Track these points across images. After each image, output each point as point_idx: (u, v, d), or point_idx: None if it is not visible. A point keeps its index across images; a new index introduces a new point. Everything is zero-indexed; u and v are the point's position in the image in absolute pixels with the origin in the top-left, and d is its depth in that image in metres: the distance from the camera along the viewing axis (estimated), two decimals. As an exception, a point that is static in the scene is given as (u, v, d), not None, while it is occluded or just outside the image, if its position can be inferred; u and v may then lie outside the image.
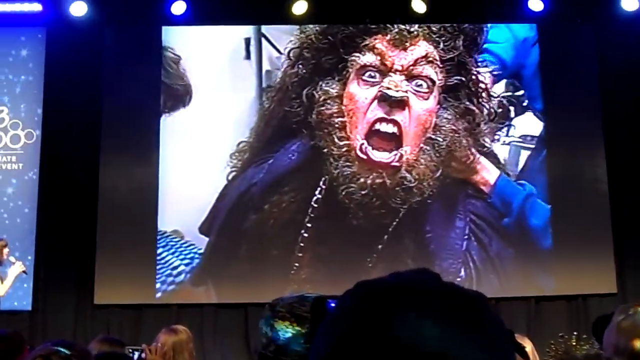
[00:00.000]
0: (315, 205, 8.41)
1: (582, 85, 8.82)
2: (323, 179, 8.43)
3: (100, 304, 8.40)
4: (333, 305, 1.23)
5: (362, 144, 8.43)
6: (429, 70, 8.63)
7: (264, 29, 8.85)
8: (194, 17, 8.75)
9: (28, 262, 8.34)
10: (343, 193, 8.37)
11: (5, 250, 7.39)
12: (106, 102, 8.75)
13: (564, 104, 8.76)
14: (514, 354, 0.75)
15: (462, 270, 8.36)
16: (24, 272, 7.40)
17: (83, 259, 8.43)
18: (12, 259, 7.40)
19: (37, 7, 8.67)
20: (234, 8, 8.73)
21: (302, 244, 8.39)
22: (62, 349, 2.33)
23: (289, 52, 8.77)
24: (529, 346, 3.89)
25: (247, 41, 8.80)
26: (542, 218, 8.51)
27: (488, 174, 8.54)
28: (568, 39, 8.92)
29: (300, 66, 8.71)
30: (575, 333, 7.13)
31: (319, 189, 8.41)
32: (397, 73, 8.58)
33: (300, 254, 8.40)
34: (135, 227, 8.49)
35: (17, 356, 2.54)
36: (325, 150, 8.48)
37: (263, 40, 8.84)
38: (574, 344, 6.48)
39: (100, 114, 8.71)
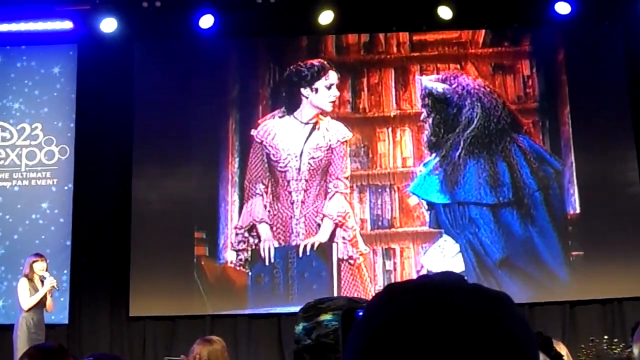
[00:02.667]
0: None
1: (611, 88, 8.74)
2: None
3: (135, 315, 8.48)
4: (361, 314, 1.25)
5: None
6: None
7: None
8: (221, 30, 8.83)
9: (64, 275, 8.47)
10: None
11: (37, 266, 7.47)
12: (137, 115, 8.86)
13: (592, 107, 8.69)
14: (538, 353, 0.77)
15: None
16: (53, 287, 7.45)
17: (118, 272, 8.53)
18: (46, 274, 7.49)
19: (68, 25, 8.81)
20: (261, 20, 8.80)
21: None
22: None
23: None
24: (564, 351, 3.87)
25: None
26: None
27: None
28: (596, 42, 8.85)
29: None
30: (606, 337, 7.06)
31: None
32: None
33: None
34: (168, 238, 8.57)
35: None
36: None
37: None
38: (605, 347, 6.42)
39: (131, 127, 8.82)
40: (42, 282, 7.45)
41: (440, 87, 8.71)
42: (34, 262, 7.48)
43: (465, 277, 0.81)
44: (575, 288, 8.32)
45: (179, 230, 8.60)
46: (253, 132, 8.79)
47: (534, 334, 0.78)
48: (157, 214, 8.63)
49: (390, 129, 8.73)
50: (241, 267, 8.51)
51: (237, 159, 8.77)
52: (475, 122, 8.55)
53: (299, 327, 1.68)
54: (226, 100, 8.91)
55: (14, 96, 9.00)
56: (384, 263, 8.46)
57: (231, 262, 8.54)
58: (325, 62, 8.85)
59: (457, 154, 8.50)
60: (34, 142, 8.92)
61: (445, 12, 8.68)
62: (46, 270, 7.51)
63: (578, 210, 8.48)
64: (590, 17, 8.70)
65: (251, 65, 9.03)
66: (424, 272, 8.27)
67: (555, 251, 8.39)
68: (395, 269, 8.45)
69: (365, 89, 8.87)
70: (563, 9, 8.59)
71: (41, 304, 7.39)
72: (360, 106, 8.83)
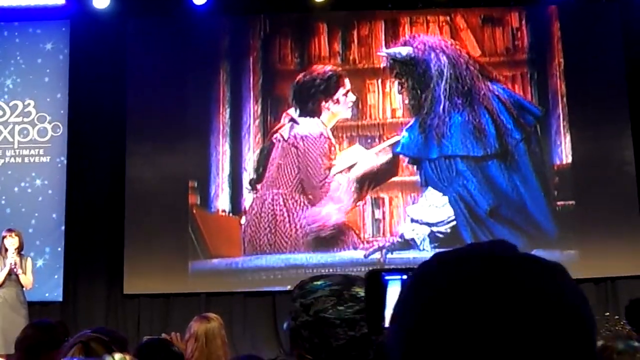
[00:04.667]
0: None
1: (608, 66, 8.73)
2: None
3: (129, 293, 8.48)
4: (388, 277, 1.23)
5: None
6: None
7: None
8: (216, 6, 8.76)
9: (57, 253, 8.45)
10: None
11: (7, 242, 7.24)
12: (130, 92, 8.80)
13: (588, 86, 8.68)
14: (596, 323, 0.75)
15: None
16: (12, 266, 7.20)
17: (112, 249, 8.52)
18: (11, 253, 7.22)
19: (60, 1, 8.72)
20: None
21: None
22: (100, 336, 2.37)
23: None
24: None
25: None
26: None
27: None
28: (593, 20, 8.82)
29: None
30: (607, 314, 7.10)
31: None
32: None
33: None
34: (163, 216, 8.55)
35: (61, 345, 2.60)
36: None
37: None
38: (606, 324, 6.46)
39: (125, 104, 8.77)
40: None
41: (404, 51, 8.78)
42: (3, 237, 7.37)
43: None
44: (564, 241, 8.37)
45: (173, 207, 8.58)
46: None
47: (589, 304, 0.76)
48: (152, 190, 8.60)
49: (379, 81, 8.79)
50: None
51: (227, 110, 8.79)
52: (445, 72, 8.68)
53: (296, 304, 1.67)
54: (218, 62, 8.89)
55: (6, 73, 8.92)
56: (372, 212, 8.52)
57: (222, 211, 8.62)
58: (339, 70, 8.81)
59: (441, 107, 8.62)
60: (27, 119, 8.86)
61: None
62: (19, 246, 7.32)
63: (570, 160, 8.54)
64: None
65: (242, 20, 8.99)
66: (407, 222, 8.43)
67: (540, 202, 8.49)
68: (384, 218, 8.53)
69: (355, 40, 8.90)
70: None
71: (14, 280, 7.28)
72: (350, 58, 8.87)
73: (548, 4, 8.87)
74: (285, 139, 8.71)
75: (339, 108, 8.79)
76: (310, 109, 8.76)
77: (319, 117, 8.76)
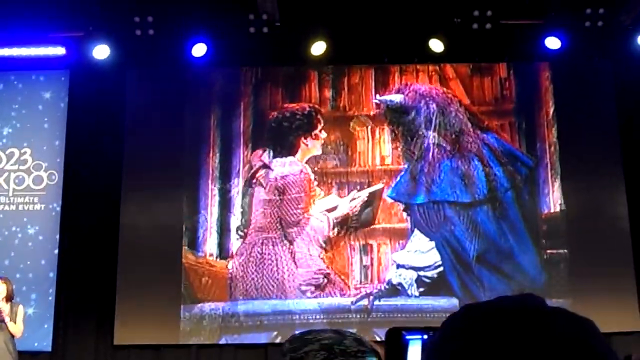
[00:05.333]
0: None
1: (601, 122, 8.82)
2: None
3: (120, 344, 8.38)
4: (409, 337, 1.22)
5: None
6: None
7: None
8: (214, 59, 8.86)
9: (48, 302, 8.38)
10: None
11: None
12: (128, 142, 8.84)
13: (582, 140, 8.76)
14: None
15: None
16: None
17: (103, 299, 8.44)
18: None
19: (60, 51, 8.81)
20: (253, 49, 8.84)
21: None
22: None
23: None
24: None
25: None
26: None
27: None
28: (586, 76, 8.95)
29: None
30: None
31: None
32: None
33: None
34: (156, 264, 8.51)
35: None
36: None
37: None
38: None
39: (122, 154, 8.80)
40: None
41: (396, 98, 8.91)
42: None
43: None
44: (554, 289, 8.35)
45: (166, 255, 8.54)
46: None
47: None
48: (145, 241, 8.57)
49: (369, 128, 8.89)
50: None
51: (217, 154, 8.85)
52: (434, 120, 8.78)
53: (286, 358, 1.67)
54: (209, 108, 9.00)
55: (3, 120, 8.97)
56: (361, 258, 8.54)
57: (210, 255, 8.64)
58: (314, 107, 8.94)
59: (430, 154, 8.72)
60: (23, 167, 8.87)
61: (436, 45, 8.75)
62: (8, 294, 7.25)
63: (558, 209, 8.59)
64: (580, 52, 8.79)
65: (236, 69, 9.12)
66: (393, 268, 8.44)
67: (528, 250, 8.53)
68: (372, 264, 8.54)
69: (346, 87, 9.01)
70: (553, 44, 8.69)
71: (3, 328, 7.17)
72: (341, 104, 8.94)
73: (539, 61, 9.01)
74: (264, 184, 8.74)
75: (315, 143, 8.85)
76: (288, 146, 8.81)
77: (294, 155, 8.81)
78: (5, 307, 7.21)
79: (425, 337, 1.19)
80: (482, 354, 0.70)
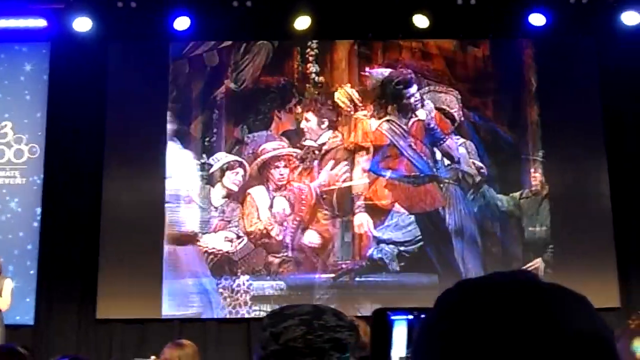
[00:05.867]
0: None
1: (583, 100, 8.85)
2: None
3: (102, 318, 8.39)
4: (394, 317, 1.22)
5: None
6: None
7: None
8: (197, 32, 8.79)
9: (30, 276, 8.35)
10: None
11: None
12: (110, 116, 8.78)
13: (564, 118, 8.79)
14: (616, 351, 0.75)
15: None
16: None
17: (86, 273, 8.43)
18: None
19: (41, 23, 8.71)
20: (236, 23, 8.78)
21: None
22: None
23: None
24: None
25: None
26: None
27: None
28: (569, 53, 8.96)
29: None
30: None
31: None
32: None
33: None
34: (139, 240, 8.49)
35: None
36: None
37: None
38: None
39: (103, 128, 8.74)
40: None
41: (386, 73, 8.89)
42: None
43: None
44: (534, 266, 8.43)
45: (148, 232, 8.53)
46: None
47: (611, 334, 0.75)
48: (127, 215, 8.54)
49: (353, 103, 8.89)
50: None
51: (199, 128, 8.83)
52: (422, 96, 8.89)
53: (266, 333, 1.68)
54: (191, 83, 8.94)
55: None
56: (342, 235, 8.60)
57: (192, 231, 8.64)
58: (289, 81, 8.94)
59: (415, 129, 8.76)
60: (3, 140, 8.79)
61: (421, 21, 8.72)
62: None
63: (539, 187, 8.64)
64: (563, 29, 8.79)
65: (219, 43, 9.05)
66: (375, 244, 8.51)
67: (508, 227, 8.61)
68: (353, 241, 8.59)
69: (329, 63, 8.98)
70: (537, 20, 8.68)
71: None
72: (324, 80, 8.94)
73: (523, 37, 9.00)
74: (245, 158, 8.73)
75: (288, 117, 8.84)
76: (262, 119, 8.80)
77: (268, 128, 8.81)
78: None
79: (411, 317, 1.20)
80: (477, 332, 0.69)
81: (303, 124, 8.85)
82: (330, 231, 8.61)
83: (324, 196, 8.67)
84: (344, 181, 8.70)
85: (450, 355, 0.70)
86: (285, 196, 8.67)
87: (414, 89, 8.87)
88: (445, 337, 0.71)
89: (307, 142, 8.80)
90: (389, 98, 8.86)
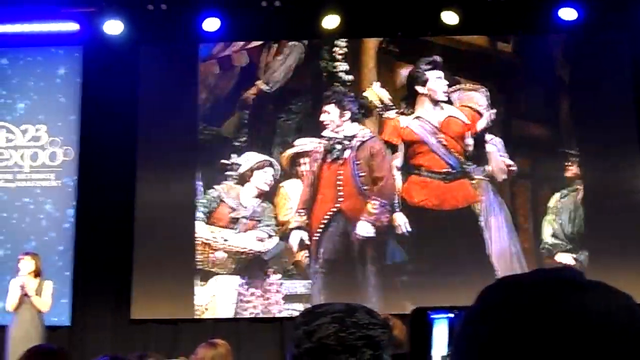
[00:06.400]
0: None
1: (617, 95, 8.73)
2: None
3: (137, 318, 8.47)
4: (434, 316, 1.21)
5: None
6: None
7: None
8: (227, 33, 8.83)
9: (64, 277, 8.46)
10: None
11: (21, 265, 7.31)
12: (141, 117, 8.86)
13: (597, 114, 8.68)
14: None
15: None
16: (22, 287, 7.30)
17: (121, 274, 8.52)
18: (22, 276, 7.31)
19: (74, 27, 8.81)
20: (265, 23, 8.81)
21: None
22: None
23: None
24: None
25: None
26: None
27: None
28: (601, 48, 8.84)
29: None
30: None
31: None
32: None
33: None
34: (172, 242, 8.56)
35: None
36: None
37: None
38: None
39: (136, 129, 8.82)
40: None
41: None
42: (18, 260, 7.43)
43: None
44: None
45: (182, 233, 8.59)
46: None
47: None
48: (161, 216, 8.61)
49: (384, 100, 8.90)
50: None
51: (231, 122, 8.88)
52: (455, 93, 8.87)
53: (299, 331, 1.70)
54: (222, 84, 8.99)
55: (18, 97, 9.00)
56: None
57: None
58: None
59: (446, 124, 8.73)
60: (38, 143, 8.91)
61: (450, 18, 8.67)
62: (36, 270, 7.37)
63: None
64: (596, 23, 8.68)
65: (246, 47, 9.08)
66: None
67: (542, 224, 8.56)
68: None
69: (359, 61, 8.96)
70: (568, 14, 8.58)
71: (28, 303, 7.28)
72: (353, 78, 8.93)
73: (554, 32, 8.90)
74: (275, 159, 8.79)
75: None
76: (294, 119, 8.86)
77: (299, 128, 8.86)
78: (34, 282, 7.32)
79: (452, 315, 1.19)
80: (520, 332, 0.68)
81: (323, 117, 8.81)
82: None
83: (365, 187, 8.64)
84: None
85: (491, 355, 0.69)
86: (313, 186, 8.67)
87: (443, 85, 8.80)
88: (487, 336, 0.70)
89: (328, 134, 8.78)
90: (418, 95, 8.82)
